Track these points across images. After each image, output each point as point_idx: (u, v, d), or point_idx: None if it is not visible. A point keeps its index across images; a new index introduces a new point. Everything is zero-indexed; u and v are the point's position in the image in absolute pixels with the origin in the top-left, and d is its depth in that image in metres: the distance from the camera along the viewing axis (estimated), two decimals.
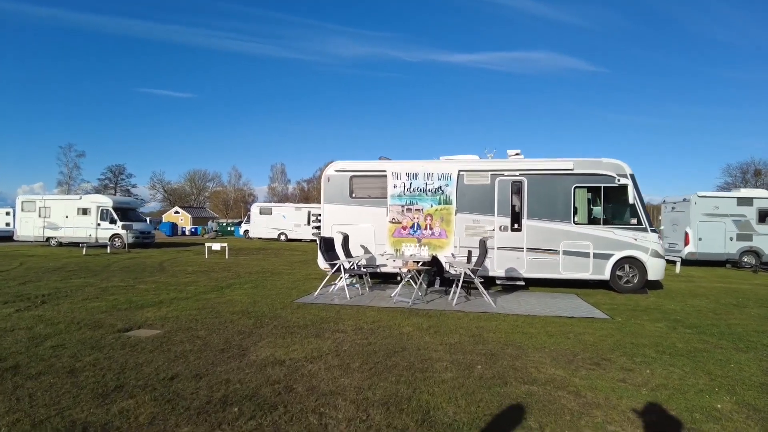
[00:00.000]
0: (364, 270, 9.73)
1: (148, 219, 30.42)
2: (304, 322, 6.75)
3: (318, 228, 11.39)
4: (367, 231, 10.82)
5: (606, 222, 10.16)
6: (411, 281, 9.10)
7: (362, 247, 10.84)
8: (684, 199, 17.40)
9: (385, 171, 10.78)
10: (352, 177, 10.97)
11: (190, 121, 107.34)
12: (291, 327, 6.47)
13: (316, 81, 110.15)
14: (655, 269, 10.00)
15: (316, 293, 9.13)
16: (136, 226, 24.38)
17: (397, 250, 9.90)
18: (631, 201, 9.92)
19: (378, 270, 10.70)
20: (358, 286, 9.89)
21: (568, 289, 10.56)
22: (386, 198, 10.74)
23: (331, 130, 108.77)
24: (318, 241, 9.10)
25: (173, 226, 50.70)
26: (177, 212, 70.28)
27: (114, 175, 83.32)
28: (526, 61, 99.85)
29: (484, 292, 8.62)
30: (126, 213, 25.03)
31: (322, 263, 10.29)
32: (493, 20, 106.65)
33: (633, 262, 10.08)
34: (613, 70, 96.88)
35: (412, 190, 10.66)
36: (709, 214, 16.81)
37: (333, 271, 8.97)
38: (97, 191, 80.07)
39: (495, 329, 6.52)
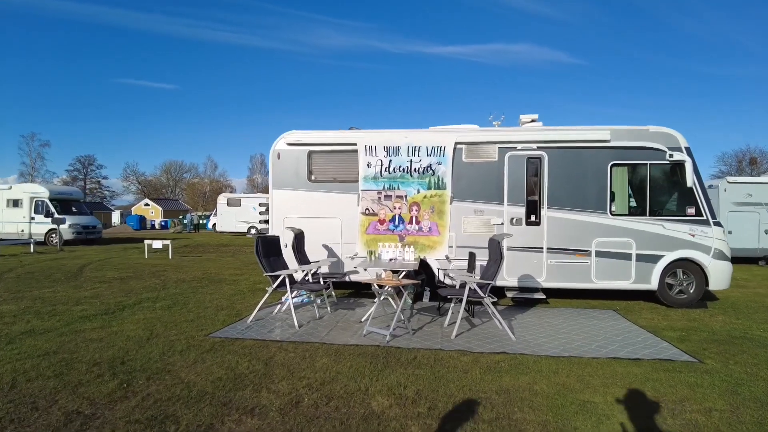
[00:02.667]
0: (325, 282, 6.93)
1: (120, 211, 27.07)
2: (202, 387, 3.92)
3: (266, 222, 8.41)
4: (331, 226, 8.00)
5: (654, 212, 7.50)
6: (390, 299, 6.32)
7: (325, 248, 8.02)
8: (710, 186, 14.95)
9: (355, 144, 7.93)
10: (311, 153, 8.10)
11: (169, 112, 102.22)
12: (172, 399, 3.64)
13: (299, 72, 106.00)
14: (718, 275, 7.40)
15: (251, 318, 6.29)
16: (77, 219, 21.09)
17: (371, 253, 7.11)
18: (688, 183, 7.28)
19: (347, 279, 7.90)
20: (318, 301, 7.10)
21: (597, 300, 7.92)
22: (357, 181, 7.92)
23: (312, 120, 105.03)
24: (255, 244, 6.26)
25: (141, 220, 47.18)
26: (147, 204, 66.32)
27: (84, 166, 78.73)
28: (508, 54, 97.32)
29: (499, 317, 5.87)
30: (67, 205, 21.71)
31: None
32: (475, 12, 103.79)
33: (689, 265, 7.47)
34: (595, 63, 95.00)
35: (392, 169, 7.84)
36: (740, 203, 14.38)
37: (275, 286, 6.12)
38: (65, 183, 75.61)
39: (530, 396, 3.79)
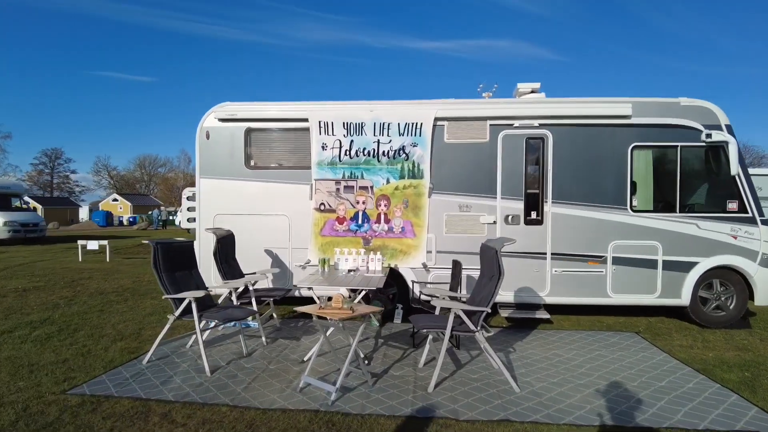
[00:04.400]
0: (264, 301, 5.15)
1: (89, 207, 24.65)
2: None
3: (192, 221, 6.60)
4: (276, 226, 6.20)
5: (685, 208, 5.92)
6: (345, 329, 4.57)
7: (269, 254, 6.23)
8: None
9: (306, 120, 6.14)
10: (250, 131, 6.28)
11: (146, 105, 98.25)
12: None
13: (280, 65, 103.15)
14: (766, 287, 5.86)
15: (147, 358, 4.46)
16: (14, 216, 18.79)
17: (324, 261, 5.35)
18: (732, 171, 5.72)
19: (298, 293, 6.13)
20: (254, 325, 5.33)
21: (610, 317, 6.33)
22: (310, 168, 6.14)
23: None
24: (153, 254, 4.40)
25: (108, 216, 44.50)
26: (115, 200, 63.05)
27: (50, 160, 74.88)
28: (492, 49, 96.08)
29: (495, 358, 4.15)
30: (5, 200, 19.36)
31: (216, 279, 5.49)
32: (459, 8, 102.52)
33: (728, 275, 5.91)
34: (577, 60, 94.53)
35: (353, 153, 6.07)
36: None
37: (177, 314, 4.30)
38: (30, 178, 71.76)
39: None
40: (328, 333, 4.30)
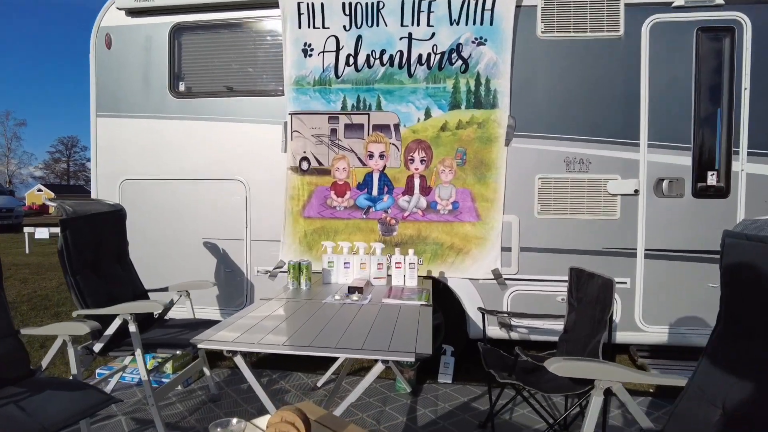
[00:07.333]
0: (173, 347, 2.43)
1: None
2: None
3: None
4: (223, 201, 3.45)
5: None
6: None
7: (210, 252, 3.49)
8: None
9: (276, 2, 3.32)
10: (178, 30, 3.49)
11: None
12: None
13: None
14: None
15: None
16: None
17: (299, 269, 2.60)
18: None
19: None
20: (148, 392, 2.59)
21: None
22: (281, 92, 3.34)
23: None
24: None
25: None
26: None
27: (66, 148, 74.31)
28: None
29: None
30: None
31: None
32: None
33: None
34: None
35: (362, 61, 3.24)
36: None
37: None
38: (47, 166, 71.05)
39: None
40: None
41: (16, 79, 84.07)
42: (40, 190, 52.72)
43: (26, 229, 10.25)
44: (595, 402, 1.52)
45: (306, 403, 1.40)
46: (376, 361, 1.61)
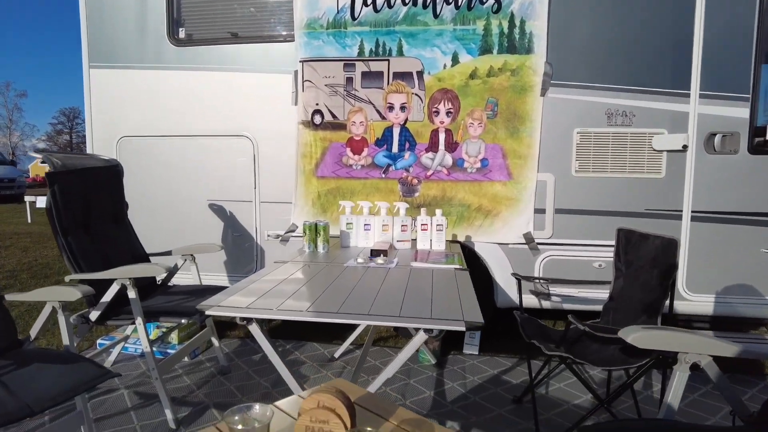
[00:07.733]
0: (182, 316, 2.21)
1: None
2: None
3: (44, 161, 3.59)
4: (228, 159, 3.17)
5: None
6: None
7: (216, 214, 3.24)
8: None
9: None
10: None
11: None
12: None
13: None
14: None
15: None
16: None
17: (316, 230, 2.36)
18: None
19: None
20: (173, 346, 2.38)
21: None
22: (291, 37, 3.01)
23: None
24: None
25: None
26: None
27: (68, 119, 73.55)
28: None
29: None
30: None
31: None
32: None
33: None
34: None
35: (379, 4, 2.91)
36: None
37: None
38: (49, 137, 70.48)
39: None
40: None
41: (15, 49, 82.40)
42: (43, 162, 52.46)
43: (27, 198, 10.05)
44: (680, 378, 1.28)
45: (341, 380, 1.17)
46: (396, 330, 1.37)
